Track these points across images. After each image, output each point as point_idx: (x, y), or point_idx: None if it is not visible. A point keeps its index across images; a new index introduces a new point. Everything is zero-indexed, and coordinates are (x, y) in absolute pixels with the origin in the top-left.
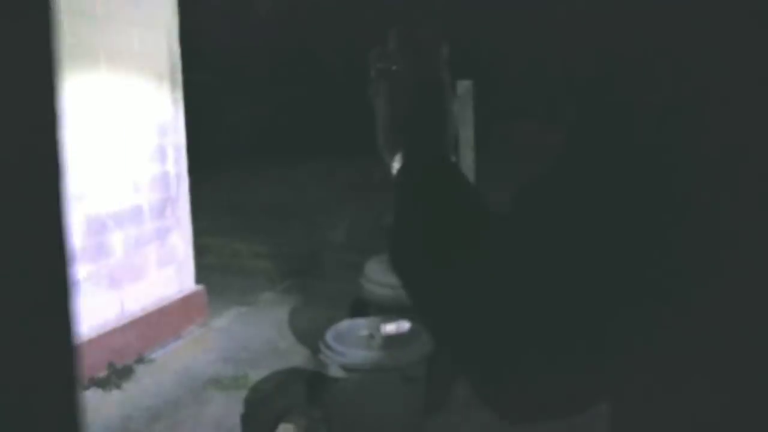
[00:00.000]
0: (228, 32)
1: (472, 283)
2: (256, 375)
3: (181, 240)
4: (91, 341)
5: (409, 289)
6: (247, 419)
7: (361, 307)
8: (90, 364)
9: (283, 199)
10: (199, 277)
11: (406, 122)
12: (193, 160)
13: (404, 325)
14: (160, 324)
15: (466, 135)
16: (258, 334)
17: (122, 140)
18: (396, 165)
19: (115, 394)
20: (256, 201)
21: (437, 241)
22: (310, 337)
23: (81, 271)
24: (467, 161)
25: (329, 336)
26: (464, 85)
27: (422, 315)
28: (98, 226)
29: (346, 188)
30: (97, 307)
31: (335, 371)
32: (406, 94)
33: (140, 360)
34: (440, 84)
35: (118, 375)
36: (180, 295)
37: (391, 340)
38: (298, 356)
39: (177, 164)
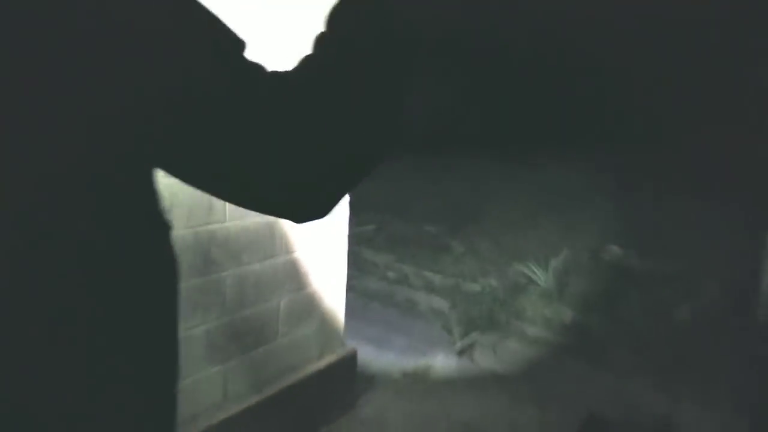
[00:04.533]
0: None
1: None
2: None
3: (325, 280)
4: None
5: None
6: None
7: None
8: None
9: (470, 206)
10: (350, 313)
11: None
12: None
13: None
14: (284, 410)
15: None
16: None
17: None
18: None
19: None
20: (437, 204)
21: None
22: None
23: None
24: None
25: None
26: None
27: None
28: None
29: (560, 195)
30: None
31: None
32: None
33: None
34: None
35: None
36: (318, 365)
37: None
38: None
39: None
